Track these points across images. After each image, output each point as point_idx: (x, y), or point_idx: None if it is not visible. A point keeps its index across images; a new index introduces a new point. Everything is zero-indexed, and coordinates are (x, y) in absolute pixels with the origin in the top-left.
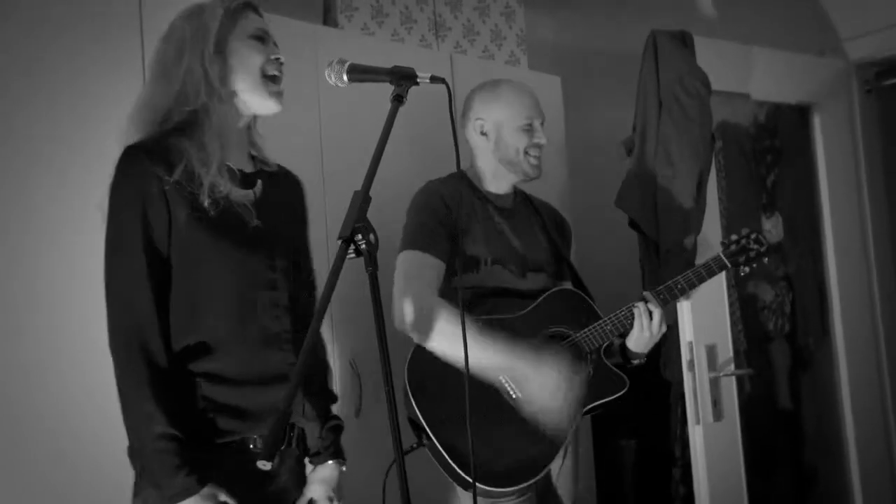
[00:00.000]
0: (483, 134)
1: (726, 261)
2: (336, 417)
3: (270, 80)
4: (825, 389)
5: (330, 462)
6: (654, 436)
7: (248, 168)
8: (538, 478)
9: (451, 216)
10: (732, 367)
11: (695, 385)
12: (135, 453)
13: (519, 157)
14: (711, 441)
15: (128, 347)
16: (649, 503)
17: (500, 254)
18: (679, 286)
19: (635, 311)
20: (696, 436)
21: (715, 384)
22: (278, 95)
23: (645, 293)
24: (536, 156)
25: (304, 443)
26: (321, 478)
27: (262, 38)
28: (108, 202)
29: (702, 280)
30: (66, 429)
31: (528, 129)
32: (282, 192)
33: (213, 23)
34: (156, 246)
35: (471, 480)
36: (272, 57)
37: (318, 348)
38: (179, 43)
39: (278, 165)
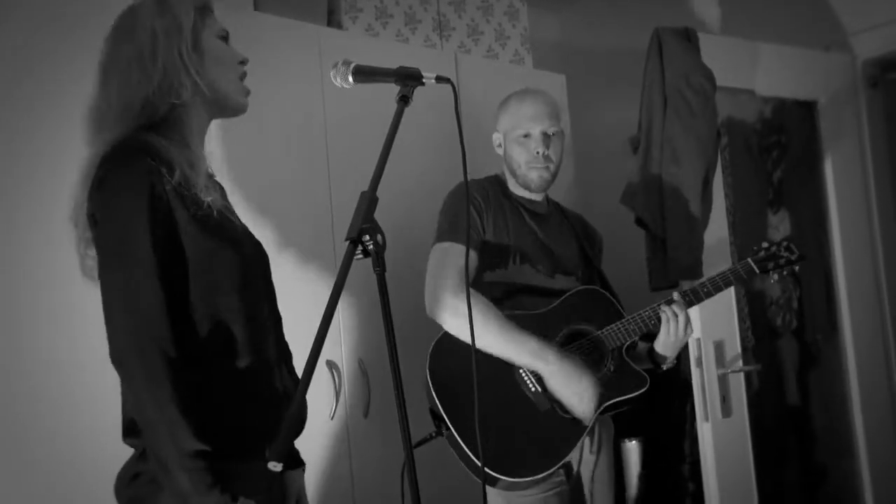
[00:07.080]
0: (499, 146)
1: (755, 266)
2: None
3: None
4: (834, 385)
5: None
6: (662, 433)
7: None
8: (555, 469)
9: (481, 210)
10: (740, 363)
11: (703, 382)
12: (159, 468)
13: (521, 170)
14: (720, 438)
15: (143, 355)
16: (658, 501)
17: (528, 253)
18: (705, 289)
19: (661, 314)
20: (705, 433)
21: (723, 381)
22: (248, 95)
23: (674, 294)
24: (540, 167)
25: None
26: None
27: (226, 38)
28: (97, 205)
29: (728, 284)
30: (66, 430)
31: (525, 141)
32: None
33: (186, 19)
34: (164, 247)
35: (489, 472)
36: (240, 59)
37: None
38: (151, 37)
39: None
